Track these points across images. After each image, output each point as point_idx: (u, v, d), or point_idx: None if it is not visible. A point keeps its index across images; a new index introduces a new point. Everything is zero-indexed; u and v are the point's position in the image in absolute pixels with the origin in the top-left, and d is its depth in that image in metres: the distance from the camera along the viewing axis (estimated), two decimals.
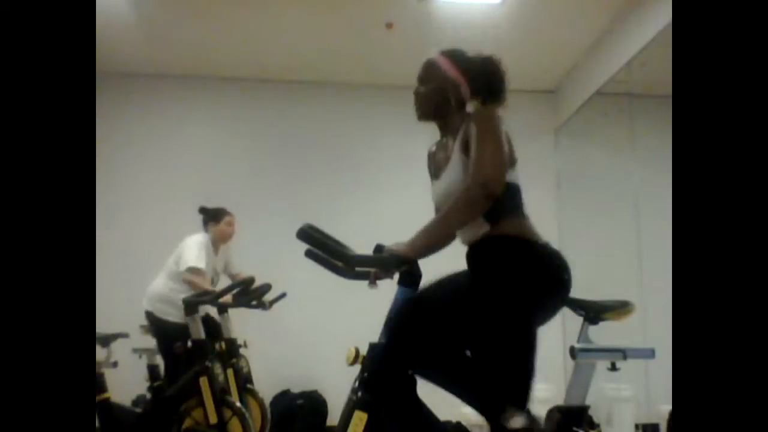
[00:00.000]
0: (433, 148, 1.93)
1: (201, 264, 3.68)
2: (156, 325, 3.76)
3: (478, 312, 1.59)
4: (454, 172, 1.72)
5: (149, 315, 3.77)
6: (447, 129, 1.84)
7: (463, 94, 1.80)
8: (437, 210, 1.84)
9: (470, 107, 1.78)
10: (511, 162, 1.72)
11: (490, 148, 1.61)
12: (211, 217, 3.95)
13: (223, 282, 4.05)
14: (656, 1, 3.80)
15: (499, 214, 1.67)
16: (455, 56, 1.84)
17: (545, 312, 1.70)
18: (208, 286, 3.65)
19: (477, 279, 1.68)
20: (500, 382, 1.58)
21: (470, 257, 1.76)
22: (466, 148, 1.67)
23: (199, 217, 4.01)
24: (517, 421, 1.53)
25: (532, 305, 1.63)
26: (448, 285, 1.72)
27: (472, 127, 1.66)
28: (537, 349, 1.63)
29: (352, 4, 4.22)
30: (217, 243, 3.97)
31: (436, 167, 1.88)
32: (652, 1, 3.85)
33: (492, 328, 1.59)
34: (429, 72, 1.84)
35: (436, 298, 1.68)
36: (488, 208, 1.60)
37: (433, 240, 1.62)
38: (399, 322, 1.62)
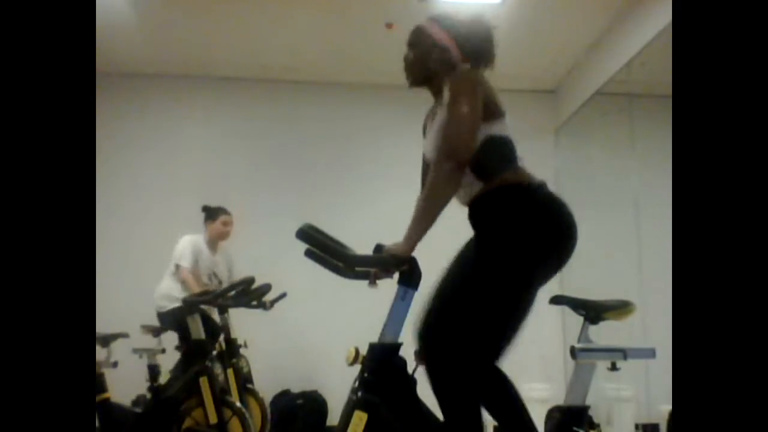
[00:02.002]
0: (428, 113, 1.94)
1: (187, 263, 3.76)
2: (164, 320, 3.80)
3: (481, 267, 1.60)
4: (436, 130, 1.74)
5: (158, 315, 3.82)
6: (439, 93, 1.84)
7: (452, 57, 1.81)
8: (426, 164, 1.85)
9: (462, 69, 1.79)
10: (498, 115, 1.72)
11: (458, 115, 1.62)
12: (209, 215, 4.00)
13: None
14: (656, 1, 3.80)
15: (489, 169, 1.67)
16: (443, 21, 1.85)
17: (553, 259, 1.67)
18: (193, 283, 3.68)
19: (479, 237, 1.69)
20: (457, 329, 1.58)
21: (470, 217, 1.77)
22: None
23: (199, 217, 4.02)
24: None
25: (536, 255, 1.62)
26: (454, 268, 1.74)
27: (445, 93, 1.67)
28: (529, 309, 1.61)
29: (352, 4, 4.22)
30: (214, 241, 3.98)
31: (426, 128, 1.91)
32: (652, 1, 3.85)
33: (480, 271, 1.59)
34: (417, 37, 1.86)
35: (452, 282, 1.68)
36: (464, 173, 1.62)
37: (424, 227, 1.61)
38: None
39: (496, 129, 1.71)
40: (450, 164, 1.59)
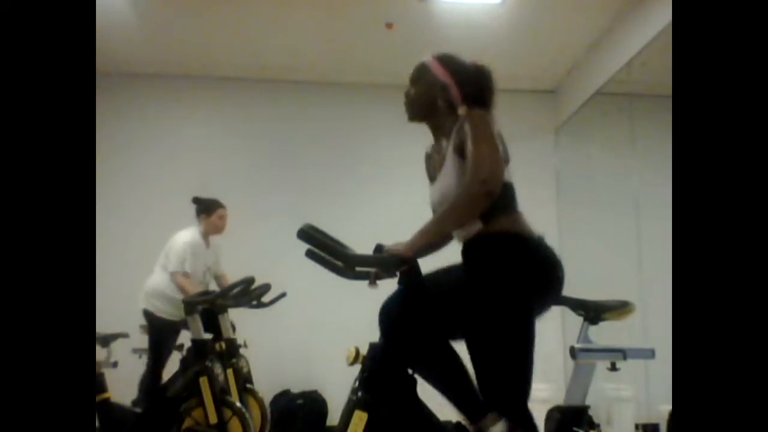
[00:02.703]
0: (429, 151, 1.94)
1: (187, 268, 3.75)
2: (150, 322, 3.80)
3: (472, 309, 1.59)
4: (449, 175, 1.74)
5: (145, 312, 3.80)
6: (439, 131, 1.86)
7: (453, 96, 1.81)
8: (434, 212, 1.84)
9: (461, 111, 1.79)
10: (505, 160, 1.72)
11: (487, 147, 1.61)
12: (204, 208, 3.95)
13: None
14: (656, 1, 3.80)
15: (491, 212, 1.67)
16: (446, 60, 1.86)
17: (538, 307, 1.69)
18: (193, 288, 3.67)
19: (470, 276, 1.69)
20: (497, 382, 1.58)
21: (464, 254, 1.77)
22: (460, 150, 1.68)
23: None
24: (498, 428, 1.54)
25: (525, 301, 1.63)
26: (443, 278, 1.73)
27: (466, 128, 1.67)
28: (533, 346, 1.62)
29: (352, 4, 4.22)
30: (208, 235, 3.97)
31: (432, 169, 1.90)
32: (652, 1, 3.85)
33: (486, 326, 1.59)
34: (420, 74, 1.87)
35: (432, 292, 1.68)
36: (488, 206, 1.61)
37: (432, 239, 1.61)
38: (397, 318, 1.62)
39: (505, 174, 1.72)
40: (482, 189, 1.57)
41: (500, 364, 1.59)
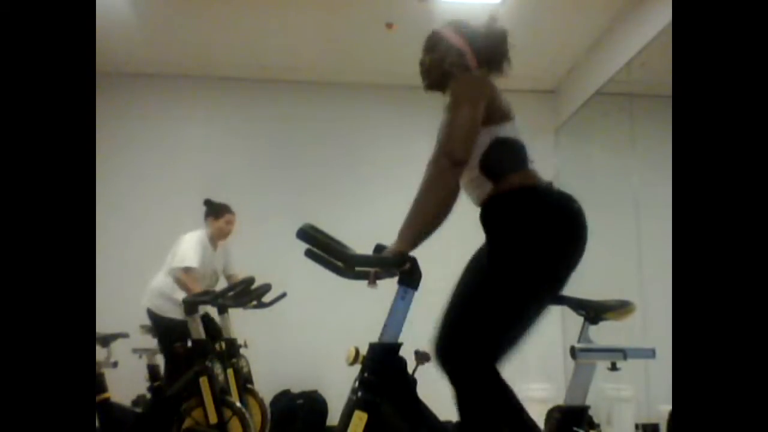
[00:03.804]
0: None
1: (194, 264, 3.69)
2: (156, 323, 3.78)
3: (495, 271, 1.60)
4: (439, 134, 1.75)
5: (149, 312, 3.79)
6: None
7: (468, 62, 1.81)
8: None
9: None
10: (506, 118, 1.72)
11: (458, 117, 1.62)
12: (212, 212, 3.95)
13: (222, 281, 4.06)
14: (656, 1, 3.80)
15: (498, 170, 1.67)
16: (459, 26, 1.88)
17: (568, 260, 1.66)
18: (196, 285, 3.65)
19: (490, 240, 1.69)
20: (480, 330, 1.57)
21: (481, 218, 1.77)
22: None
23: (199, 217, 4.01)
24: None
25: (548, 258, 1.61)
26: (468, 273, 1.74)
27: (447, 95, 1.68)
28: (539, 312, 1.61)
29: (352, 4, 4.22)
30: (215, 239, 3.97)
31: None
32: (652, 1, 3.85)
33: (502, 281, 1.58)
34: (433, 42, 1.89)
35: (467, 283, 1.69)
36: (459, 175, 1.63)
37: (419, 225, 1.60)
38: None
39: (503, 131, 1.71)
40: (444, 162, 1.59)
41: (481, 312, 1.57)
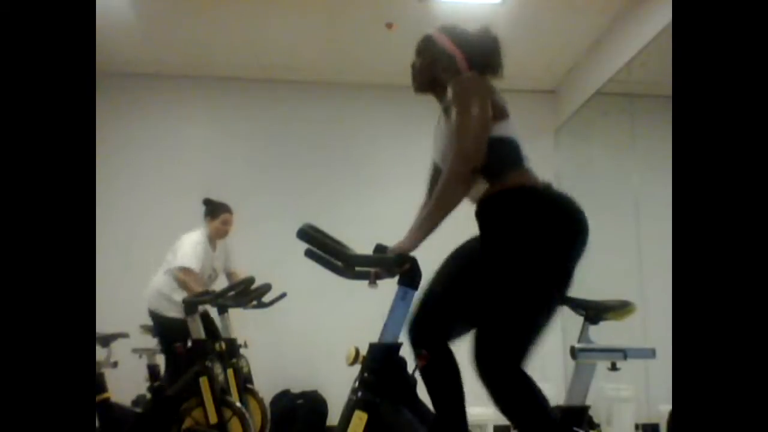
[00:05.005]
0: (438, 122, 1.95)
1: (193, 264, 3.69)
2: (157, 322, 3.78)
3: (490, 272, 1.59)
4: (445, 135, 1.77)
5: (150, 312, 3.78)
6: (445, 102, 1.86)
7: (459, 66, 1.82)
8: (434, 168, 1.91)
9: None
10: (502, 116, 1.72)
11: (466, 118, 1.63)
12: (210, 211, 3.95)
13: (221, 279, 4.06)
14: (656, 1, 3.80)
15: (497, 170, 1.67)
16: (451, 30, 1.88)
17: (570, 258, 1.65)
18: (196, 285, 3.65)
19: (486, 240, 1.69)
20: (500, 339, 1.57)
21: (476, 216, 1.77)
22: (447, 113, 1.72)
23: (199, 217, 4.01)
24: None
25: (550, 258, 1.61)
26: (452, 265, 1.76)
27: (449, 96, 1.69)
28: (548, 309, 1.61)
29: (352, 4, 4.22)
30: (213, 239, 3.97)
31: (435, 136, 1.93)
32: (652, 1, 3.85)
33: (506, 286, 1.58)
34: (425, 45, 1.89)
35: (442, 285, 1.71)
36: (474, 178, 1.64)
37: (430, 229, 1.61)
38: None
39: (500, 130, 1.71)
40: (462, 168, 1.59)
41: (507, 322, 1.57)
